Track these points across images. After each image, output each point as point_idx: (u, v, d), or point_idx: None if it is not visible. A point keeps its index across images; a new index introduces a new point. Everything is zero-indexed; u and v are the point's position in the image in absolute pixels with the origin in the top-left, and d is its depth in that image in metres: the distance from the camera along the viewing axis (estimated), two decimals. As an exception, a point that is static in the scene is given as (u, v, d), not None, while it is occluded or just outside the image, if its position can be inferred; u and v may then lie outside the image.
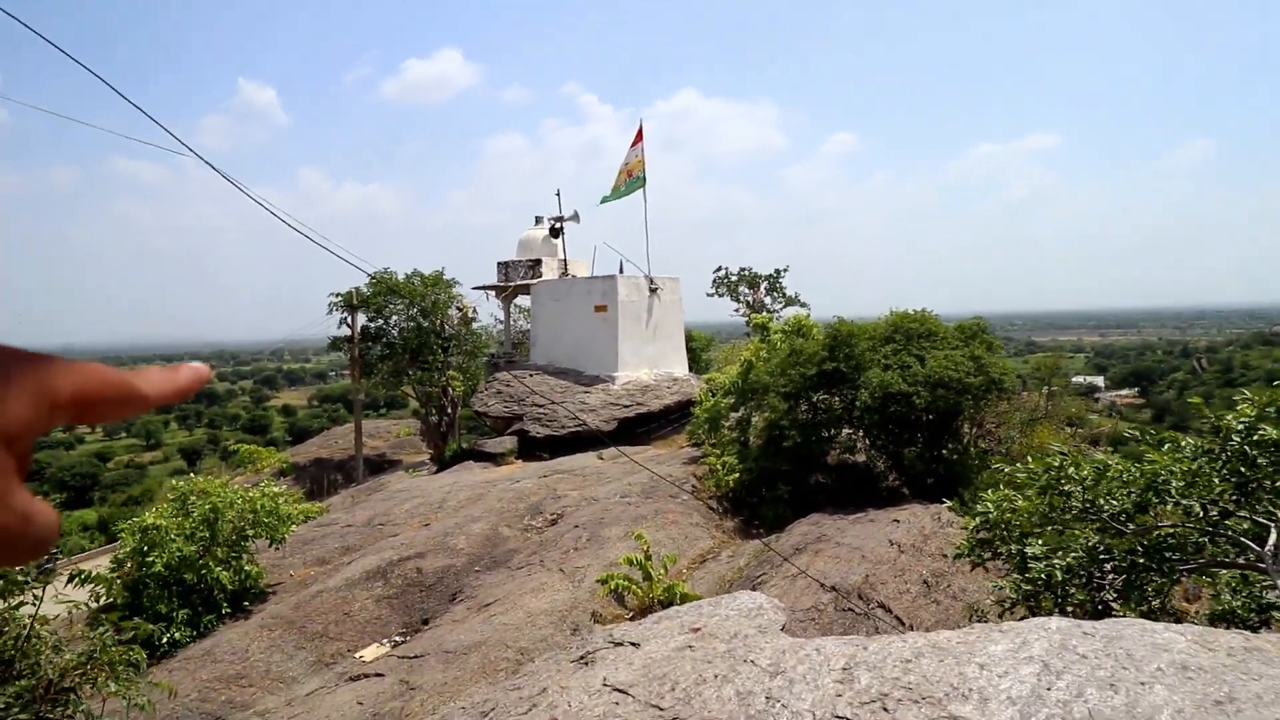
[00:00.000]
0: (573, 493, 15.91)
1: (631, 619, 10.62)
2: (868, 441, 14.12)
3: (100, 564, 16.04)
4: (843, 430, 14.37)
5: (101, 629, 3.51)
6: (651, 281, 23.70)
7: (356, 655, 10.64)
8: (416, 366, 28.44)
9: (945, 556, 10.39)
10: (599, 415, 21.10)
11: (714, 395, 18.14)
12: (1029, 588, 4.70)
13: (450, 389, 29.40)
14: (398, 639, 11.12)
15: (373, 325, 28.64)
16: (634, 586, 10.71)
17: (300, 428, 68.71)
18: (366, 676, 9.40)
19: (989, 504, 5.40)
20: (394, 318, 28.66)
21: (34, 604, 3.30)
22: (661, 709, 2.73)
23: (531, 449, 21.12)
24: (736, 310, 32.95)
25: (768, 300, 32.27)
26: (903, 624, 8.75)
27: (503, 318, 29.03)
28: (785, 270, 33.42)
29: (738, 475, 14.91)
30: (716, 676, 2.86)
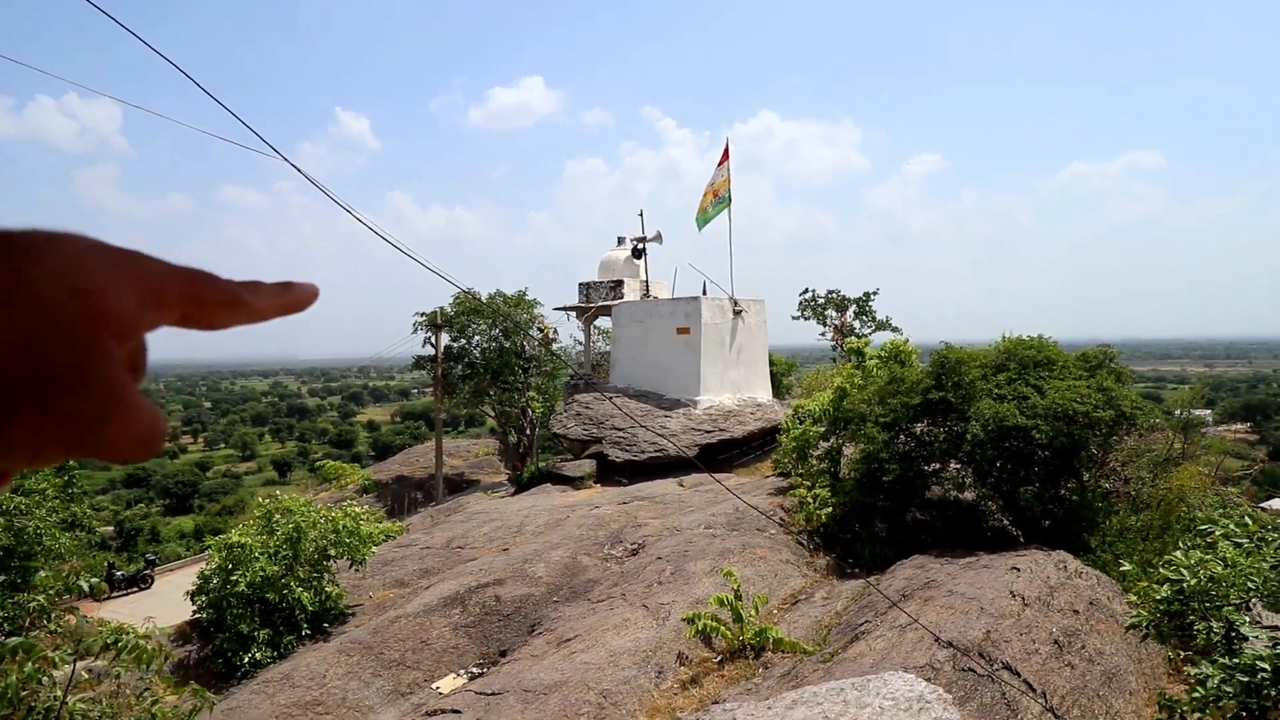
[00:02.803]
0: (654, 521, 15.30)
1: (720, 663, 9.89)
2: (976, 478, 12.99)
3: (191, 573, 16.40)
4: (948, 465, 13.27)
5: (150, 698, 3.11)
6: (736, 303, 23.02)
7: (433, 686, 10.28)
8: (497, 386, 28.56)
9: (1076, 612, 9.27)
10: (680, 440, 20.47)
11: (802, 422, 17.25)
12: (1245, 679, 3.76)
13: (529, 410, 29.39)
14: (475, 670, 10.71)
15: (455, 345, 28.98)
16: (723, 628, 9.99)
17: (384, 443, 70.64)
18: (443, 712, 8.99)
19: (1182, 568, 4.48)
20: (476, 338, 28.93)
21: (67, 667, 2.92)
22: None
23: (610, 472, 20.65)
24: (823, 334, 31.85)
25: (856, 324, 31.06)
26: (1033, 690, 7.73)
27: (583, 339, 28.84)
28: (875, 293, 32.14)
29: (830, 509, 13.99)
30: (889, 804, 2.22)
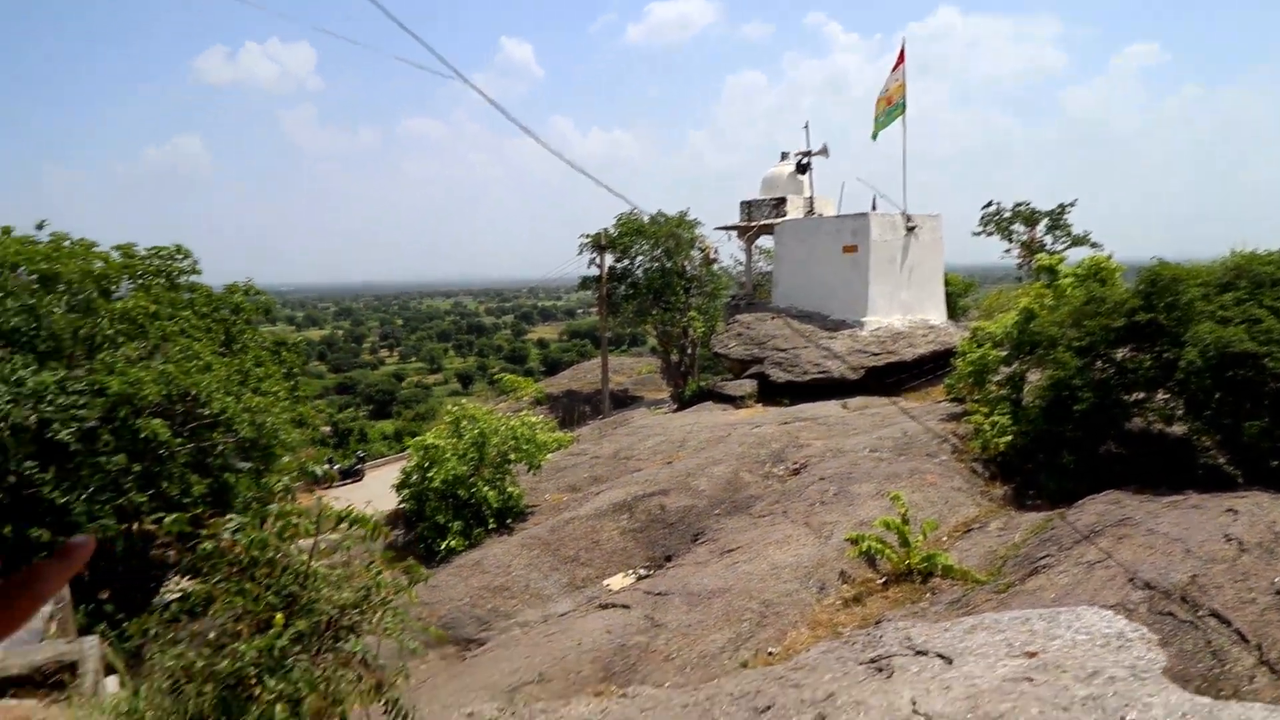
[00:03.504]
0: (817, 442, 15.16)
1: (884, 585, 9.81)
2: (1188, 410, 11.60)
3: (393, 469, 18.48)
4: (1154, 395, 11.95)
5: (374, 567, 3.58)
6: (908, 219, 21.59)
7: (604, 583, 11.04)
8: (659, 306, 28.99)
9: (1307, 563, 8.20)
10: (844, 363, 19.91)
11: (981, 346, 16.13)
12: None
13: (690, 329, 29.65)
14: (642, 571, 11.36)
15: (619, 265, 29.58)
16: (888, 550, 9.84)
17: (553, 359, 74.63)
18: (614, 606, 9.66)
19: None
20: (639, 258, 29.32)
21: (313, 540, 3.41)
22: (1006, 767, 2.07)
23: (771, 393, 20.56)
24: (1008, 251, 29.23)
25: (1047, 240, 28.17)
26: (1245, 640, 7.01)
27: (744, 259, 28.40)
28: (1072, 205, 28.84)
29: (1010, 438, 13.13)
30: (1083, 735, 2.12)
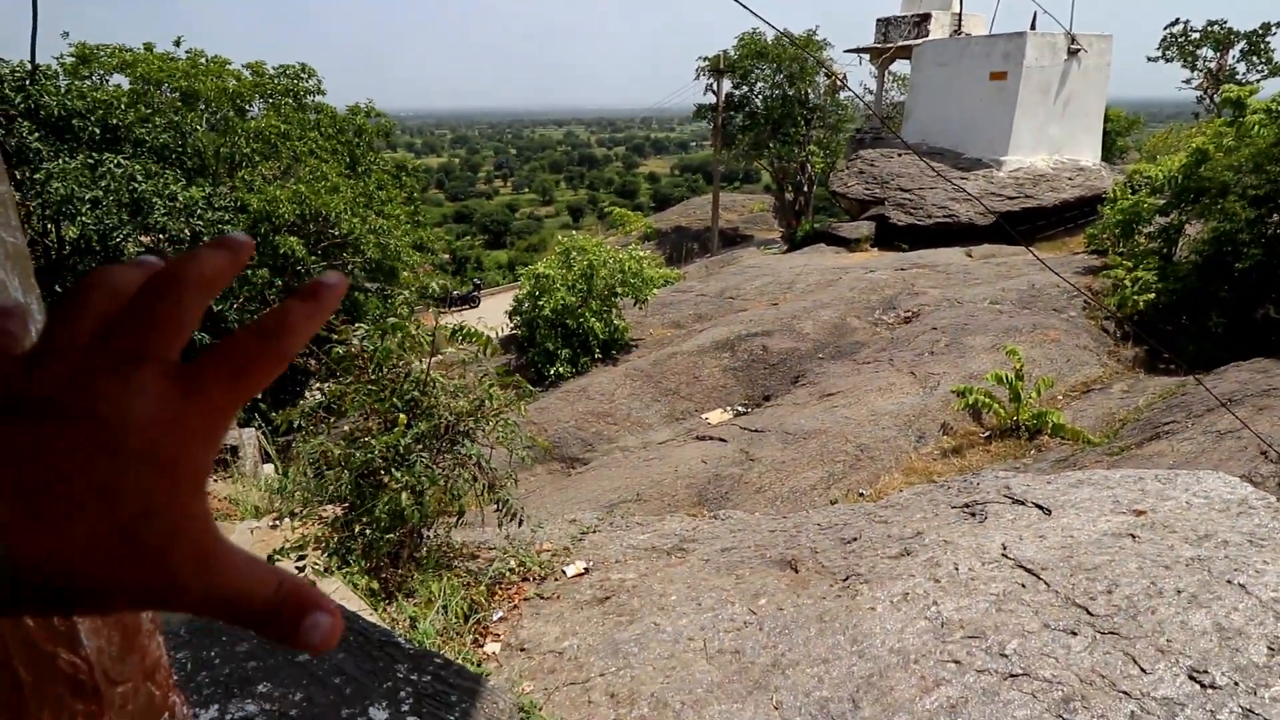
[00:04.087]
0: (933, 290, 14.51)
1: (988, 439, 9.65)
2: (1378, 274, 10.22)
3: (507, 297, 19.27)
4: (1339, 255, 10.56)
5: (487, 381, 3.81)
6: (1073, 40, 18.91)
7: (703, 416, 11.42)
8: (777, 139, 27.47)
9: None
10: (974, 206, 18.48)
11: (1136, 192, 14.54)
12: None
13: (809, 165, 28.14)
14: (740, 409, 11.64)
15: (737, 93, 27.90)
16: (996, 405, 9.57)
17: (663, 194, 73.32)
18: (711, 439, 10.04)
19: None
20: (759, 84, 27.51)
21: (433, 354, 3.62)
22: (1091, 614, 2.07)
23: (890, 238, 19.56)
24: (1189, 81, 25.32)
25: (1241, 68, 24.15)
26: (1386, 524, 6.54)
27: (875, 87, 26.06)
28: (1278, 26, 24.29)
29: (1153, 295, 12.10)
30: (1180, 593, 2.08)
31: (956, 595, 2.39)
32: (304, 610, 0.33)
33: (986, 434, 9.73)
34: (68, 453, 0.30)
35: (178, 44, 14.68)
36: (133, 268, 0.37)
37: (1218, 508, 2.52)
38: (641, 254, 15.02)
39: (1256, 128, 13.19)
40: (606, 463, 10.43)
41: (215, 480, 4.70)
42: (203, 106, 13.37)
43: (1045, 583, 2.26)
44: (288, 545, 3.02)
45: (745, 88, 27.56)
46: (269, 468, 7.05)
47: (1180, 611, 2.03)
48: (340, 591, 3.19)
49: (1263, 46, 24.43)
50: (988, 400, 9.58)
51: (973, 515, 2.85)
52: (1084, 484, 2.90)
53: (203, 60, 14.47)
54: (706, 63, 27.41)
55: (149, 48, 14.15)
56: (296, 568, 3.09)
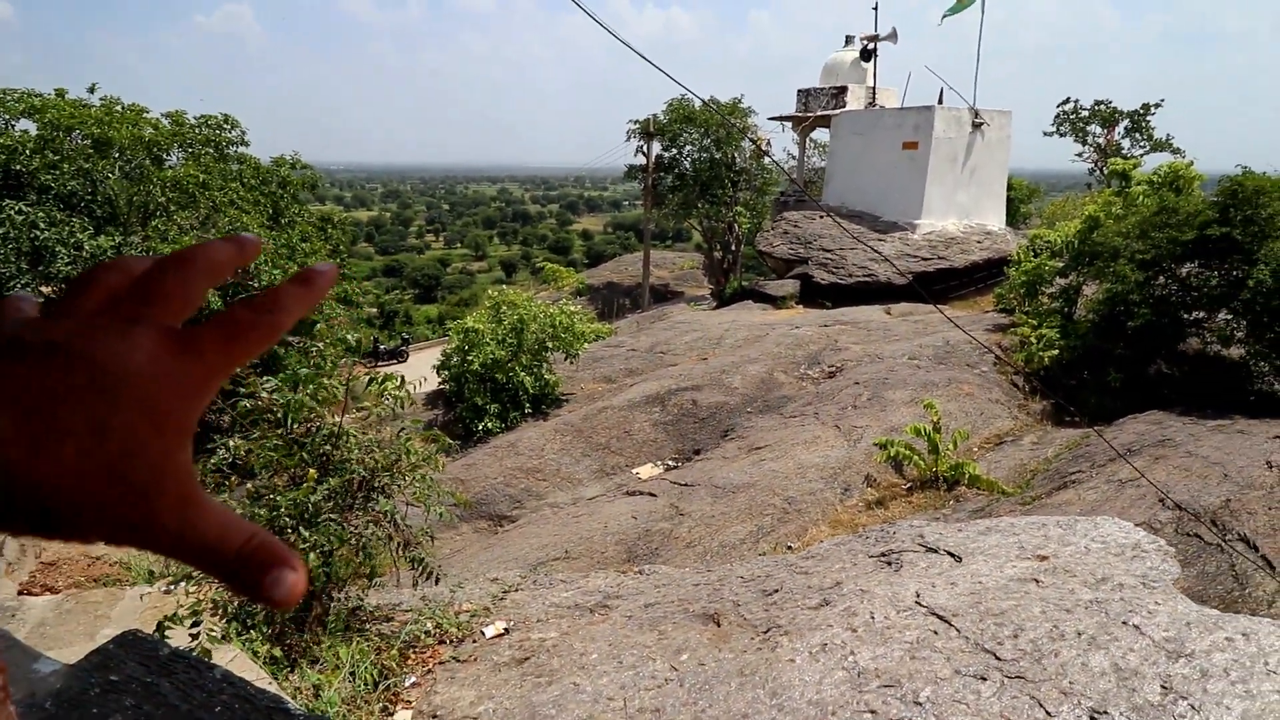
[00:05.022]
0: (855, 346, 15.01)
1: (909, 490, 9.91)
2: (1250, 332, 11.12)
3: (436, 351, 18.94)
4: (1215, 315, 11.44)
5: (404, 434, 3.70)
6: (976, 115, 20.34)
7: (634, 471, 11.36)
8: (705, 199, 28.32)
9: (1350, 494, 8.01)
10: (892, 266, 19.37)
11: (1038, 255, 15.52)
12: None
13: (735, 225, 29.05)
14: (670, 463, 11.64)
15: (667, 155, 28.76)
16: (916, 457, 9.87)
17: (596, 251, 74.21)
18: (641, 494, 9.98)
19: None
20: (688, 147, 28.44)
21: (342, 405, 3.51)
22: (999, 659, 2.12)
23: (814, 295, 20.24)
24: (1080, 155, 27.50)
25: (1125, 143, 26.39)
26: (1271, 567, 6.97)
27: (796, 153, 27.31)
28: (1158, 106, 26.79)
29: (1056, 352, 12.82)
30: (1080, 635, 2.14)
31: (873, 644, 2.40)
32: (271, 564, 0.35)
33: (908, 485, 9.99)
34: (67, 390, 0.33)
35: (92, 90, 14.23)
36: (146, 259, 0.40)
37: (1114, 552, 2.64)
38: (573, 309, 15.07)
39: (1141, 197, 14.37)
40: (535, 520, 10.21)
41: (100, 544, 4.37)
42: (116, 154, 12.91)
43: (956, 629, 2.30)
44: (180, 611, 2.81)
45: (674, 150, 28.46)
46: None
47: (1081, 654, 2.09)
48: (238, 661, 2.98)
49: (1144, 124, 26.84)
50: (908, 452, 9.87)
51: (889, 564, 2.89)
52: (992, 531, 3.00)
53: (118, 108, 14.03)
54: (637, 125, 28.24)
55: (60, 93, 13.66)
56: (190, 635, 2.88)
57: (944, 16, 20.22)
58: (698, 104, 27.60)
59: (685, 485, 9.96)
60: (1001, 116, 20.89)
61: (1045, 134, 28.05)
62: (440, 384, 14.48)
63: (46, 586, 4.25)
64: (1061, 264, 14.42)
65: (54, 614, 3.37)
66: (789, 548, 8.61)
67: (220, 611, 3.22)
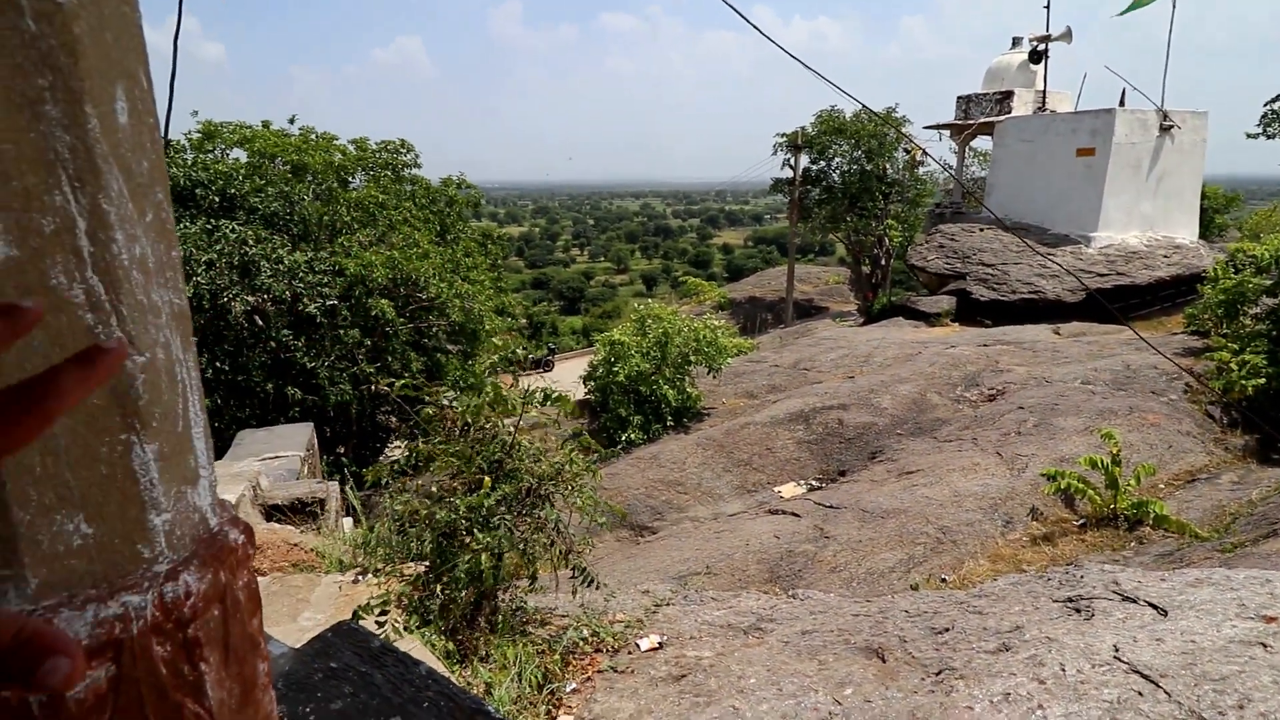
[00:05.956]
0: (1019, 368, 13.99)
1: (1082, 527, 9.09)
2: None
3: (578, 362, 19.58)
4: None
5: (569, 446, 3.86)
6: (1165, 117, 18.46)
7: (775, 489, 11.18)
8: (854, 212, 27.53)
9: None
10: (1062, 283, 17.92)
11: (1238, 271, 13.84)
12: None
13: (886, 239, 27.99)
14: (814, 483, 11.35)
15: (814, 167, 28.23)
16: (1091, 491, 9.04)
17: (736, 265, 74.00)
18: (784, 513, 9.79)
19: None
20: (836, 159, 27.78)
21: (519, 415, 3.71)
22: (1221, 733, 1.88)
23: (971, 313, 19.09)
24: (1292, 158, 24.20)
25: (1353, 145, 23.03)
26: None
27: (954, 163, 25.94)
28: (1394, 100, 23.17)
29: (1263, 380, 11.34)
30: (1326, 714, 1.87)
31: (1065, 699, 2.21)
32: (45, 653, 0.33)
33: (1080, 521, 9.16)
34: None
35: (292, 121, 15.97)
36: None
37: (1363, 619, 2.27)
38: (716, 323, 15.10)
39: (1375, 206, 12.46)
40: (676, 532, 10.27)
41: (303, 532, 4.85)
42: (310, 178, 14.39)
43: (1165, 691, 2.07)
44: (373, 602, 3.08)
45: (823, 162, 27.88)
46: (348, 521, 7.23)
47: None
48: (416, 651, 3.21)
49: (1377, 122, 23.27)
50: (1082, 485, 9.05)
51: (1078, 611, 2.66)
52: (1203, 583, 2.68)
53: (313, 136, 15.66)
54: (784, 139, 27.93)
55: (266, 125, 15.43)
56: (377, 623, 3.13)
57: (1126, 10, 18.51)
58: (849, 113, 26.93)
59: (830, 507, 9.67)
60: (1195, 118, 18.85)
61: (1249, 135, 25.00)
62: (586, 394, 14.94)
63: (256, 570, 4.78)
64: (1269, 281, 12.78)
65: (264, 595, 3.81)
66: (944, 580, 8.14)
67: (404, 604, 3.49)
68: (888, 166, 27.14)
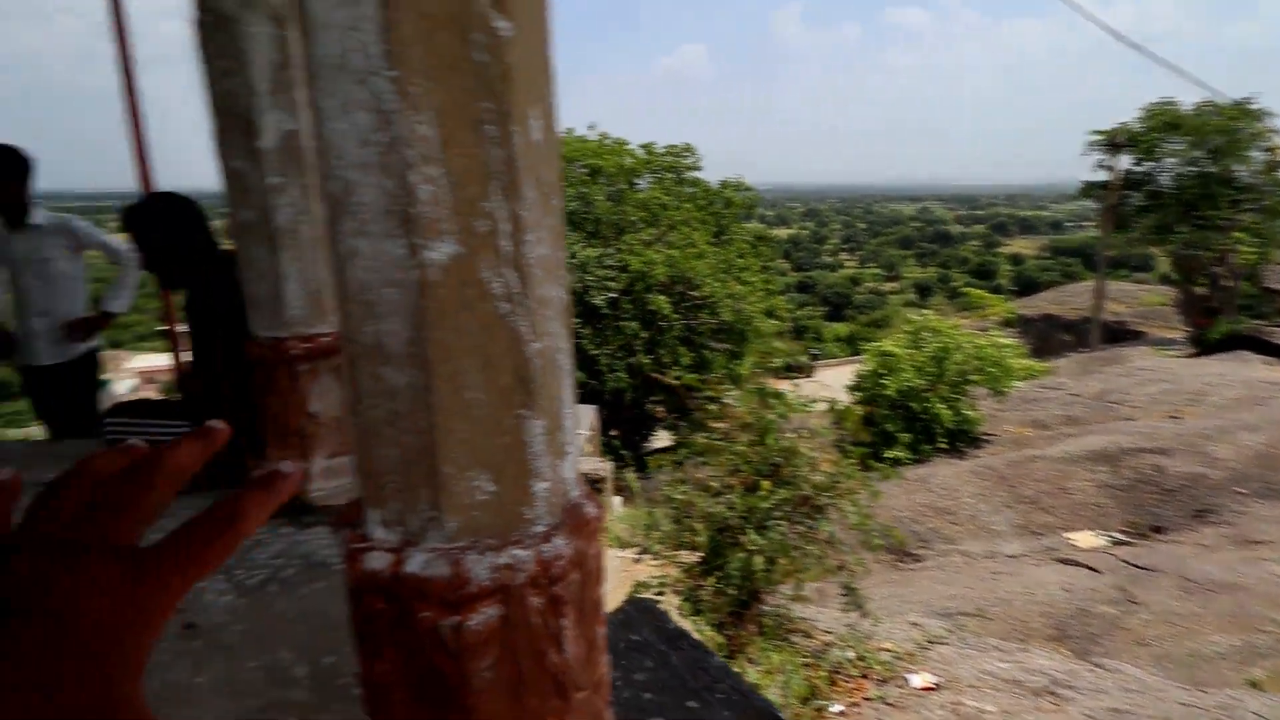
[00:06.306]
0: None
1: None
2: None
3: (840, 371, 18.89)
4: None
5: (849, 459, 3.69)
6: None
7: (1067, 536, 9.84)
8: (1188, 223, 23.26)
9: None
10: None
11: None
12: None
13: (1232, 254, 23.26)
14: (1119, 536, 9.79)
15: (1138, 169, 24.36)
16: None
17: (1027, 278, 66.59)
18: (1078, 565, 8.58)
19: None
20: (1168, 160, 23.70)
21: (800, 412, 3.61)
22: None
23: (1358, 352, 15.18)
24: None
25: None
26: None
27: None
28: None
29: None
30: None
31: None
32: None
33: None
34: (18, 651, 0.33)
35: (591, 128, 17.42)
36: (119, 454, 0.41)
37: None
38: (1004, 340, 13.68)
39: None
40: (944, 565, 9.48)
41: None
42: (603, 180, 15.58)
43: None
44: (651, 581, 3.21)
45: (1150, 163, 23.96)
46: (616, 500, 7.70)
47: None
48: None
49: None
50: None
51: None
52: None
53: (608, 141, 16.94)
54: (1102, 136, 24.44)
55: (569, 132, 17.01)
56: (654, 595, 3.27)
57: None
58: (1188, 107, 22.87)
59: (1141, 567, 8.27)
60: None
61: None
62: (851, 404, 14.38)
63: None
64: None
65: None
66: (1297, 681, 6.55)
67: (677, 588, 3.61)
68: (1239, 169, 22.55)
